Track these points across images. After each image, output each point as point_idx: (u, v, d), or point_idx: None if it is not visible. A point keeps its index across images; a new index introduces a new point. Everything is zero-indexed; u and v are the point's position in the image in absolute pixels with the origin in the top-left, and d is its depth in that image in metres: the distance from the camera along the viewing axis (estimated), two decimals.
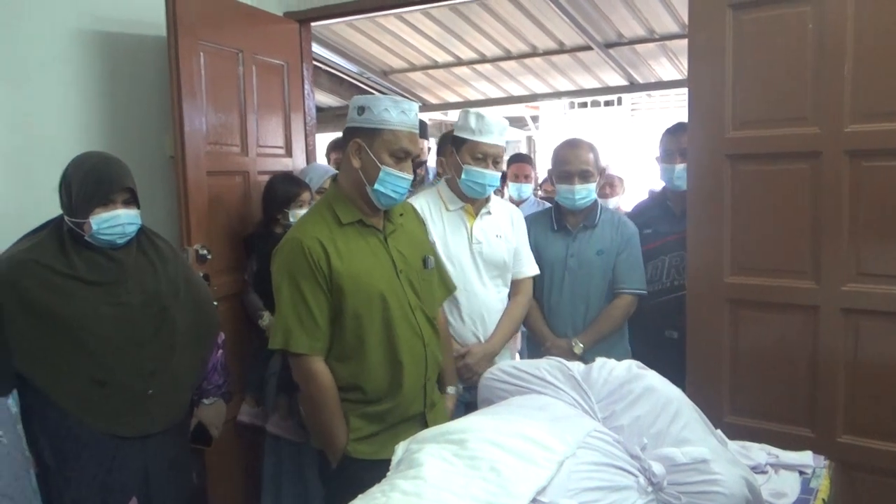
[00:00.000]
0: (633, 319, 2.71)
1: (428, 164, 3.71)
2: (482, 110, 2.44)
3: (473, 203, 2.45)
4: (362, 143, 1.93)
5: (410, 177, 1.99)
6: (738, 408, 2.41)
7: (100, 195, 1.95)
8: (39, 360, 1.89)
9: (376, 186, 1.93)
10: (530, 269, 2.56)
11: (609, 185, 4.28)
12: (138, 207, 2.04)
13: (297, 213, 2.84)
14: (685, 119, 2.49)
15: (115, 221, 1.97)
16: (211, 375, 2.25)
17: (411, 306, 1.99)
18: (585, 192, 2.59)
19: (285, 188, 2.92)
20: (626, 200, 4.56)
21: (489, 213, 2.50)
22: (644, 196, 3.25)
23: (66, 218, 1.99)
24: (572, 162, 2.60)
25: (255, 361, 2.92)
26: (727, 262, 2.39)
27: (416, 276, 2.05)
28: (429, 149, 3.16)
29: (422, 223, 2.25)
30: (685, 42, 2.50)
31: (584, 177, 2.58)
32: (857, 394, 2.22)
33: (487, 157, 2.38)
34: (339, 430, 1.92)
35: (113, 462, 1.97)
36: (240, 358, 2.86)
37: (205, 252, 2.81)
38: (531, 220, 2.73)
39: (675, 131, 2.83)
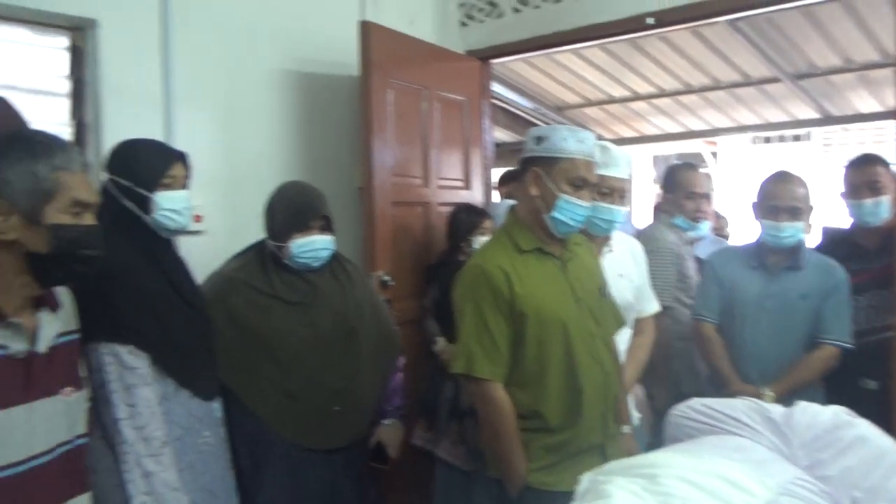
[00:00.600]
0: None
1: None
2: (607, 143, 2.40)
3: (595, 241, 2.39)
4: (541, 171, 1.96)
5: (588, 204, 2.00)
6: None
7: (299, 222, 2.11)
8: (240, 371, 2.05)
9: (554, 214, 1.96)
10: (653, 306, 2.50)
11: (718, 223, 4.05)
12: (333, 234, 2.18)
13: (481, 241, 2.91)
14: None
15: (312, 246, 2.11)
16: (391, 397, 2.34)
17: (591, 334, 1.99)
18: (792, 231, 2.44)
19: (468, 217, 3.01)
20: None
21: (611, 250, 2.45)
22: (818, 236, 2.99)
23: (268, 241, 2.16)
24: (781, 197, 2.46)
25: (430, 386, 3.00)
26: None
27: (595, 304, 2.05)
28: None
29: (595, 253, 2.23)
30: (886, 71, 2.31)
31: (793, 213, 2.44)
32: None
33: (614, 191, 2.33)
34: (518, 458, 1.92)
35: (301, 471, 2.08)
36: (416, 382, 2.95)
37: (387, 278, 2.95)
38: (726, 254, 2.66)
39: (860, 164, 2.65)
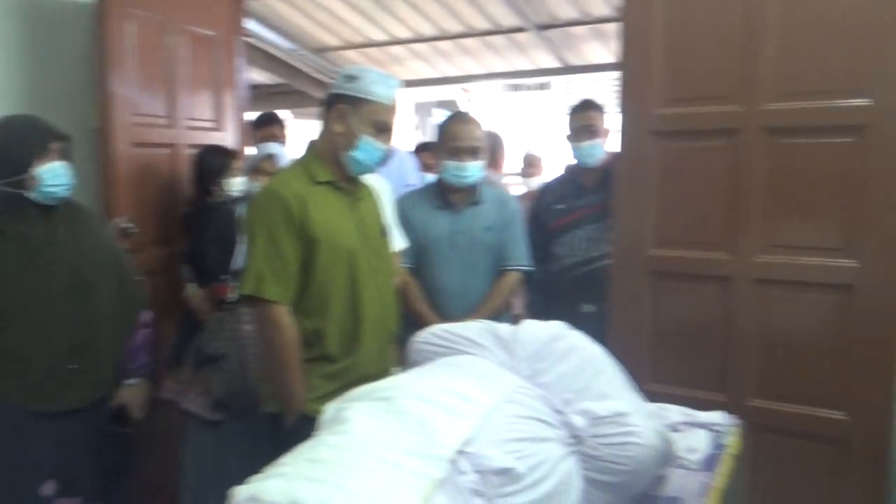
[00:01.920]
0: (549, 294, 2.79)
1: None
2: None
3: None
4: (347, 109, 1.98)
5: (387, 148, 2.05)
6: (657, 375, 2.50)
7: (38, 145, 1.93)
8: None
9: (354, 153, 1.99)
10: (399, 243, 2.54)
11: (531, 166, 4.35)
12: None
13: (233, 183, 2.81)
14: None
15: (56, 172, 1.95)
16: (136, 355, 2.21)
17: (375, 269, 2.05)
18: (474, 170, 2.58)
19: (216, 160, 2.88)
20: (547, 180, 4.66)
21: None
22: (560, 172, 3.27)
23: None
24: (464, 138, 2.57)
25: (179, 335, 2.88)
26: (650, 236, 2.48)
27: (378, 244, 2.12)
28: None
29: (378, 199, 2.28)
30: (617, 25, 2.56)
31: (475, 153, 2.58)
32: (767, 359, 2.34)
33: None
34: (299, 386, 1.94)
35: (24, 437, 1.92)
36: (166, 336, 2.82)
37: (129, 225, 2.75)
38: (412, 198, 2.72)
39: (579, 109, 2.91)
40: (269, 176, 2.59)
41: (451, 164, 2.58)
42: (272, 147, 3.03)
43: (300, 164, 2.06)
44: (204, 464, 2.67)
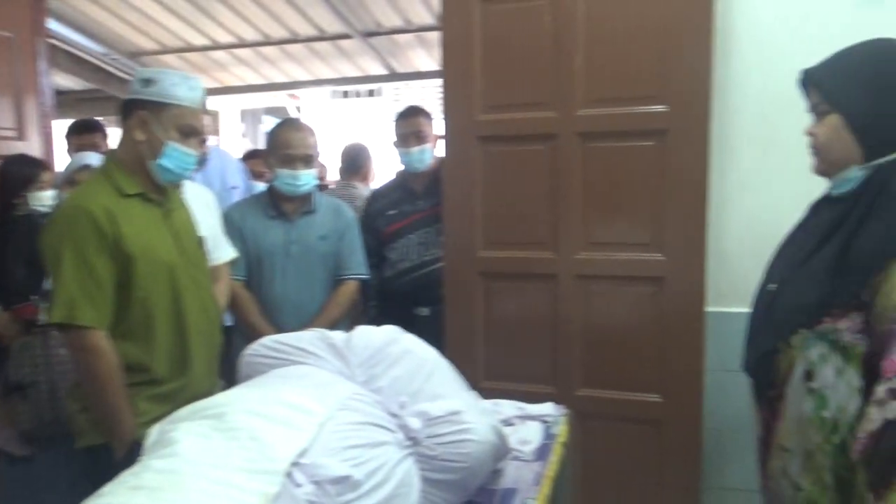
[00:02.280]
0: (385, 299, 2.81)
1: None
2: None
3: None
4: (148, 116, 1.85)
5: (196, 153, 1.94)
6: (491, 372, 2.59)
7: None
8: None
9: (161, 161, 1.87)
10: (227, 252, 2.47)
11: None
12: None
13: (41, 197, 2.59)
14: None
15: None
16: None
17: (197, 282, 1.95)
18: (308, 178, 2.55)
19: (22, 170, 2.64)
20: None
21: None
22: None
23: None
24: (296, 146, 2.53)
25: None
26: (479, 237, 2.56)
27: (196, 256, 2.02)
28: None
29: (190, 208, 2.16)
30: (439, 34, 2.62)
31: (308, 161, 2.55)
32: (591, 351, 2.49)
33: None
34: (126, 413, 1.79)
35: None
36: None
37: None
38: (242, 207, 2.64)
39: (406, 115, 2.96)
40: None
41: (284, 172, 2.53)
42: (89, 157, 2.79)
43: (103, 176, 1.90)
44: None
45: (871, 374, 1.25)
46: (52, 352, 2.35)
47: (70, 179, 2.69)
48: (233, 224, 2.54)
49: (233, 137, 8.76)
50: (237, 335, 2.49)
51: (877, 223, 1.27)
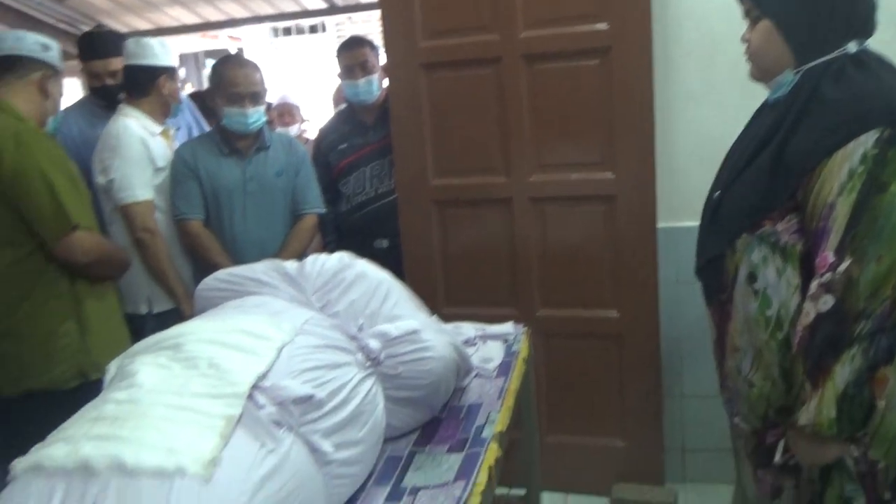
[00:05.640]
0: (343, 234, 2.81)
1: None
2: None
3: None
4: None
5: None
6: (452, 299, 2.62)
7: None
8: None
9: None
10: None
11: (288, 114, 4.25)
12: None
13: None
14: None
15: None
16: None
17: None
18: (257, 115, 2.51)
19: None
20: (312, 127, 4.60)
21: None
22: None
23: None
24: (243, 83, 2.48)
25: None
26: (431, 166, 2.55)
27: None
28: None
29: None
30: None
31: (255, 98, 2.50)
32: (549, 272, 2.53)
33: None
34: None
35: None
36: None
37: None
38: (193, 146, 2.58)
39: (349, 46, 2.90)
40: None
41: (232, 111, 2.48)
42: None
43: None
44: None
45: (809, 271, 1.30)
46: None
47: None
48: (185, 163, 2.49)
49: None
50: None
51: (808, 126, 1.30)
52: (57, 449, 1.03)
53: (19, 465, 1.05)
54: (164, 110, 2.59)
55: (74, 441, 1.04)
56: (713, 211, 1.49)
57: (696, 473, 2.60)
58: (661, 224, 2.38)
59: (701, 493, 2.54)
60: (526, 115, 2.43)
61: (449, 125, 2.52)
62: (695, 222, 1.57)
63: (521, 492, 2.16)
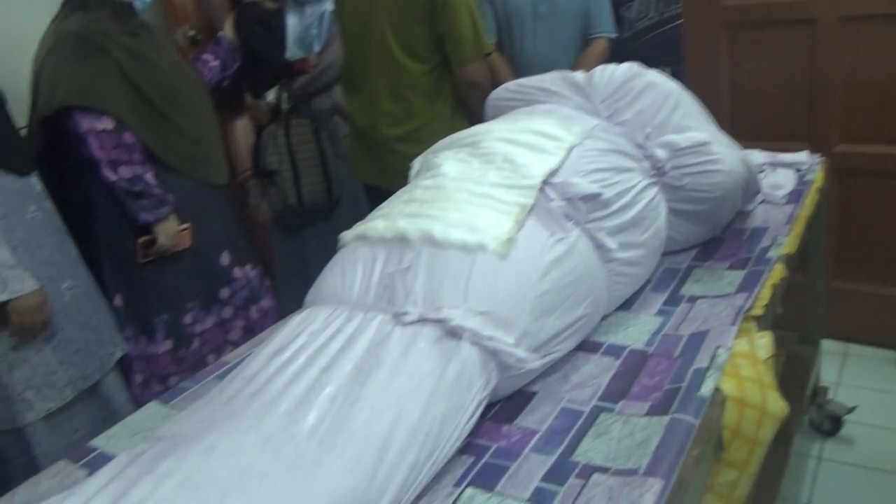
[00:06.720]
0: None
1: None
2: None
3: None
4: None
5: None
6: (738, 131, 2.41)
7: None
8: None
9: None
10: None
11: None
12: None
13: None
14: None
15: None
16: None
17: None
18: None
19: None
20: None
21: None
22: None
23: None
24: None
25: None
26: None
27: None
28: None
29: None
30: None
31: None
32: (854, 103, 2.26)
33: None
34: None
35: (208, 213, 2.19)
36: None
37: (194, 32, 2.75)
38: None
39: None
40: None
41: None
42: None
43: None
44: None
45: None
46: (293, 140, 2.49)
47: None
48: None
49: None
50: None
51: None
52: (377, 223, 1.20)
53: (347, 235, 1.25)
54: None
55: (391, 217, 1.20)
56: None
57: None
58: None
59: None
60: None
61: None
62: None
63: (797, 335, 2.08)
